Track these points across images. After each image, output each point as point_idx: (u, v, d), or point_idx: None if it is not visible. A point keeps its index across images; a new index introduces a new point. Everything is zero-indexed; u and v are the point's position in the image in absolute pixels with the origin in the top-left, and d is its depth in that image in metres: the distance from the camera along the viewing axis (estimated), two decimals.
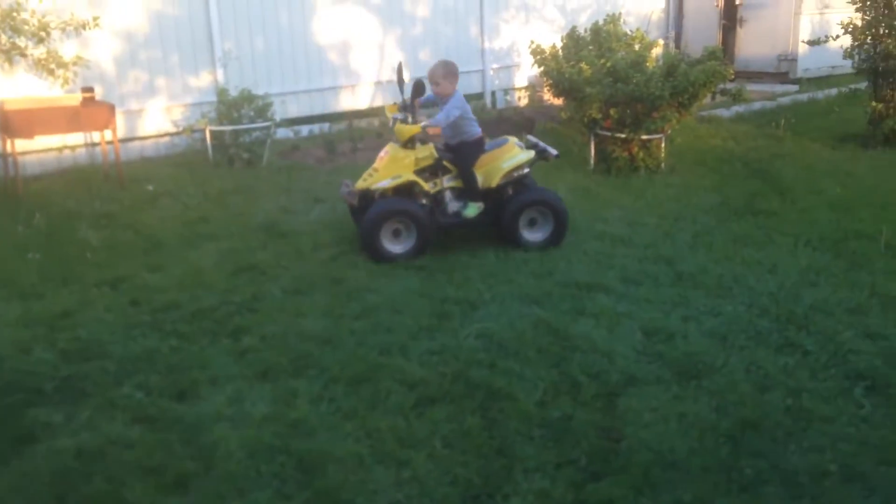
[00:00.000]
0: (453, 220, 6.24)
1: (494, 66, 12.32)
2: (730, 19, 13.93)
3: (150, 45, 9.50)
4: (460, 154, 6.25)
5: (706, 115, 10.69)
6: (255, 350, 4.53)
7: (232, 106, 8.98)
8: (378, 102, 11.39)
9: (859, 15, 8.98)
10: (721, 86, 8.53)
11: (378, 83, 11.45)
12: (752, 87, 11.83)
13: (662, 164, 8.31)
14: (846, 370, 4.15)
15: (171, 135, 9.67)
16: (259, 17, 10.31)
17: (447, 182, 6.26)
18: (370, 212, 5.94)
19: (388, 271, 5.72)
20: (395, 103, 6.52)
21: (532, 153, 6.40)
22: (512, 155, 6.30)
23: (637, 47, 8.77)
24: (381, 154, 6.22)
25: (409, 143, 6.08)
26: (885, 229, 6.06)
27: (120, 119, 9.10)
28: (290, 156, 9.37)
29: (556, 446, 3.60)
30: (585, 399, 3.98)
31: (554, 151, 6.58)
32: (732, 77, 8.71)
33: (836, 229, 6.28)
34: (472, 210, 6.19)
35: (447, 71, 6.28)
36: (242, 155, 8.86)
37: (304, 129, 10.41)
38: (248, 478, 3.39)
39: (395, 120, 6.21)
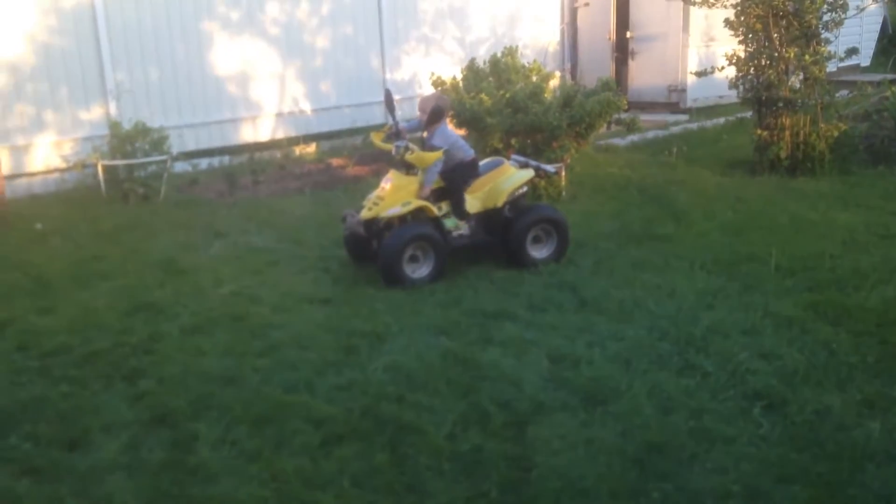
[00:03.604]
0: (460, 243, 6.33)
1: (397, 97, 12.29)
2: (622, 52, 14.44)
3: (36, 77, 9.12)
4: (455, 175, 6.32)
5: (603, 145, 11.00)
6: (151, 393, 4.33)
7: (125, 139, 8.67)
8: (280, 134, 11.26)
9: (742, 47, 9.44)
10: (616, 116, 8.79)
11: (279, 115, 11.31)
12: (645, 117, 12.26)
13: (563, 193, 8.48)
14: (744, 390, 4.27)
15: (61, 171, 9.26)
16: (153, 49, 10.05)
17: (449, 206, 6.38)
18: (390, 239, 5.98)
19: (292, 306, 5.60)
20: (380, 131, 6.62)
21: (531, 172, 6.63)
22: (510, 175, 6.48)
23: (535, 79, 8.96)
24: (384, 183, 6.23)
25: (411, 170, 6.15)
26: (774, 251, 6.33)
27: (5, 155, 8.67)
28: (189, 190, 9.11)
29: (467, 479, 3.56)
30: (495, 429, 3.97)
31: (551, 168, 6.76)
32: (626, 107, 9.01)
33: (729, 252, 6.52)
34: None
35: (441, 101, 6.46)
36: (138, 190, 8.56)
37: (204, 163, 10.16)
38: None
39: (398, 148, 6.17)
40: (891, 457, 3.57)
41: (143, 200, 8.50)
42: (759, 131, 9.40)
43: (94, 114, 9.54)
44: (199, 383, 4.42)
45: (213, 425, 3.98)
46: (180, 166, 9.71)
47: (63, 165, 9.28)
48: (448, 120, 6.53)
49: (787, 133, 9.20)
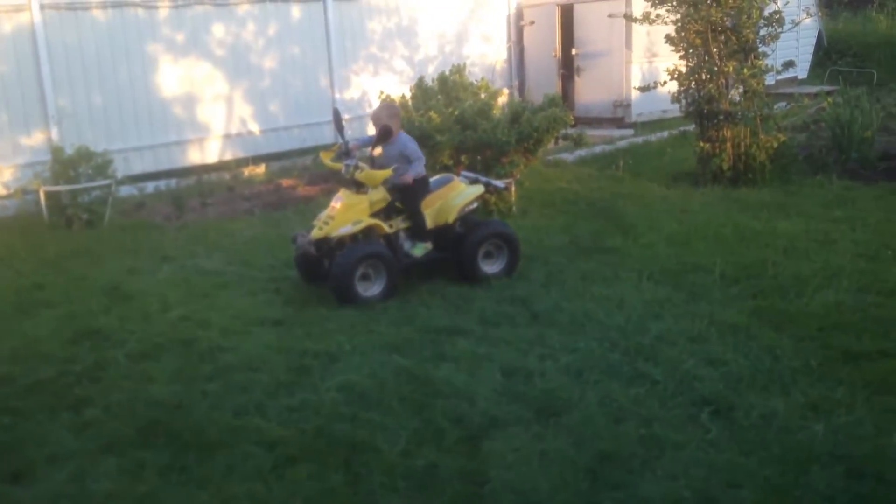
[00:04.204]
0: (411, 260, 6.35)
1: (346, 116, 12.30)
2: (568, 69, 14.68)
3: None
4: (407, 194, 6.31)
5: (552, 160, 11.13)
6: (98, 422, 4.23)
7: (68, 164, 8.50)
8: (228, 156, 11.17)
9: (683, 62, 9.67)
10: (563, 131, 8.92)
11: (227, 136, 11.23)
12: (592, 132, 12.46)
13: (514, 208, 8.55)
14: (692, 397, 4.34)
15: (2, 198, 9.05)
16: (96, 73, 9.91)
17: (401, 223, 6.36)
18: (341, 258, 5.95)
19: (242, 328, 5.53)
20: (329, 150, 6.61)
21: (481, 188, 6.68)
22: (461, 191, 6.53)
23: (483, 96, 9.05)
24: (334, 202, 6.22)
25: (361, 189, 6.14)
26: (719, 261, 6.47)
27: None
28: (135, 214, 8.97)
29: (421, 496, 3.55)
30: (449, 445, 3.97)
31: (500, 184, 6.78)
32: (573, 123, 9.14)
33: (675, 263, 6.63)
34: (420, 250, 6.31)
35: (391, 112, 6.48)
36: (81, 215, 8.39)
37: (150, 186, 10.02)
38: None
39: (348, 167, 6.16)
40: (835, 458, 3.66)
41: (88, 226, 8.34)
42: (701, 144, 9.61)
43: (36, 139, 9.37)
44: (146, 410, 4.34)
45: (161, 452, 3.91)
46: (126, 190, 9.56)
47: (3, 192, 9.07)
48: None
49: (729, 145, 9.43)
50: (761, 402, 4.21)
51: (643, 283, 6.20)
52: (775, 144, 9.43)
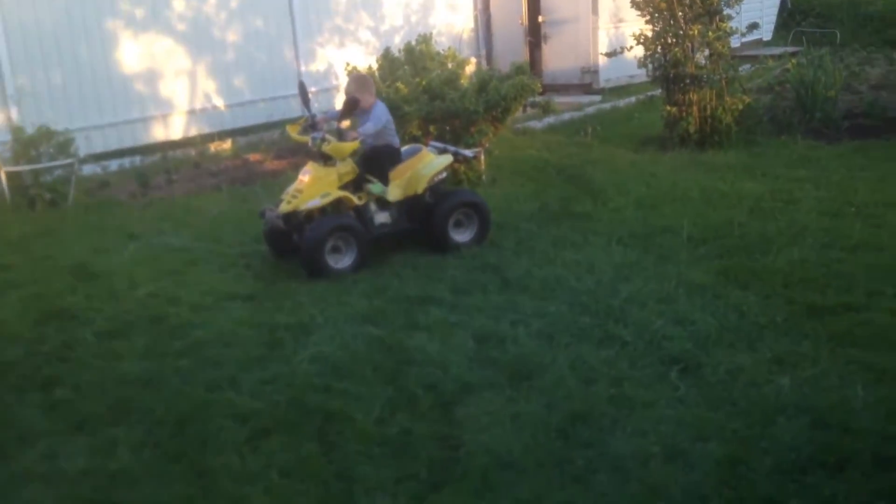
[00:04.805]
0: (381, 231, 6.33)
1: (313, 89, 12.17)
2: (535, 36, 14.62)
3: None
4: (376, 157, 6.29)
5: (521, 128, 11.13)
6: (68, 401, 4.20)
7: (29, 144, 8.32)
8: (193, 132, 11.02)
9: (649, 27, 9.67)
10: (531, 99, 8.90)
11: (192, 112, 11.07)
12: (560, 99, 12.43)
13: (483, 177, 8.54)
14: (661, 356, 4.40)
15: None
16: (54, 51, 9.70)
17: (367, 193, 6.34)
18: (311, 231, 5.92)
19: (213, 304, 5.50)
20: (295, 122, 6.54)
21: (450, 157, 6.65)
22: (429, 161, 6.50)
23: (450, 65, 8.99)
24: (302, 176, 6.16)
25: (329, 162, 6.10)
26: (686, 223, 6.53)
27: None
28: (100, 193, 8.83)
29: (396, 462, 3.58)
30: (423, 411, 3.99)
31: (470, 153, 6.78)
32: (541, 90, 9.13)
33: (643, 226, 6.69)
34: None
35: (362, 84, 6.43)
36: (45, 195, 8.23)
37: (114, 164, 9.86)
38: None
39: (315, 139, 6.12)
40: (800, 410, 3.73)
41: (51, 206, 8.20)
42: (668, 108, 9.66)
43: None
44: (117, 388, 4.31)
45: (134, 429, 3.90)
46: (89, 169, 9.40)
47: None
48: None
49: (695, 108, 9.48)
50: (728, 359, 4.28)
51: (613, 247, 6.24)
52: (741, 106, 9.50)
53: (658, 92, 10.42)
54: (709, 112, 9.47)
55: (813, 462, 3.33)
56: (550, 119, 11.48)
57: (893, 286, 5.02)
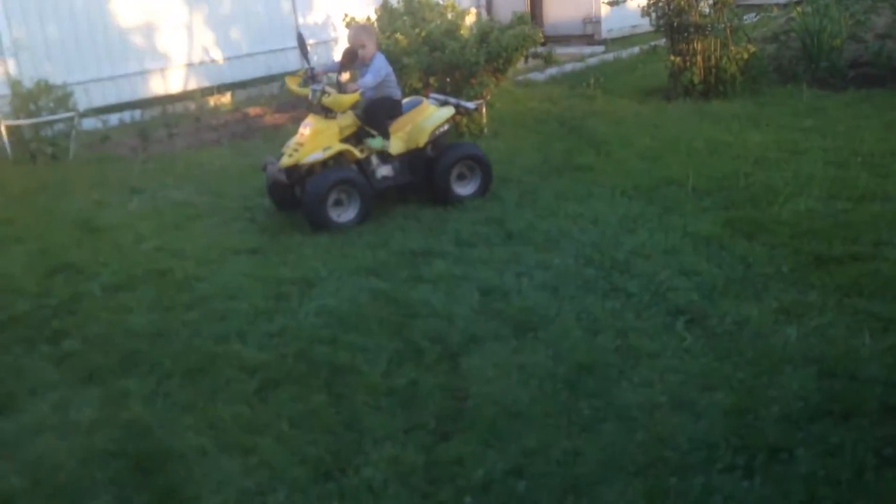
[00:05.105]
0: (383, 185, 6.29)
1: (311, 41, 11.99)
2: None
3: None
4: (376, 109, 6.23)
5: (522, 80, 11.00)
6: (77, 353, 4.22)
7: (28, 98, 8.25)
8: (193, 85, 10.91)
9: None
10: (532, 50, 8.78)
11: (190, 65, 10.95)
12: (561, 50, 12.30)
13: (485, 130, 8.48)
14: (667, 307, 4.40)
15: None
16: (50, 3, 9.55)
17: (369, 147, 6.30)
18: (313, 185, 5.89)
19: (218, 258, 5.50)
20: (294, 74, 6.49)
21: (451, 109, 6.58)
22: (431, 114, 6.44)
23: (450, 16, 8.85)
24: (302, 129, 6.10)
25: (330, 114, 6.05)
26: (691, 174, 6.48)
27: None
28: (101, 147, 8.78)
29: (404, 412, 3.61)
30: (429, 363, 4.01)
31: (471, 105, 6.75)
32: (543, 41, 8.99)
33: (648, 178, 6.64)
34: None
35: (365, 32, 6.35)
36: (46, 150, 8.20)
37: (114, 118, 9.79)
38: (81, 487, 3.17)
39: (315, 92, 6.05)
40: (807, 359, 3.74)
41: (52, 160, 8.16)
42: (672, 58, 9.53)
43: None
44: (125, 340, 4.33)
45: (144, 380, 3.92)
46: (89, 123, 9.34)
47: None
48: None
49: (700, 58, 9.35)
50: (734, 310, 4.28)
51: (617, 199, 6.21)
52: (745, 56, 9.37)
53: (661, 42, 10.28)
54: (713, 62, 9.35)
55: (820, 411, 3.35)
56: (552, 70, 11.34)
57: None
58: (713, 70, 9.35)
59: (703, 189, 6.23)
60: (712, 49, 9.33)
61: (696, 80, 9.32)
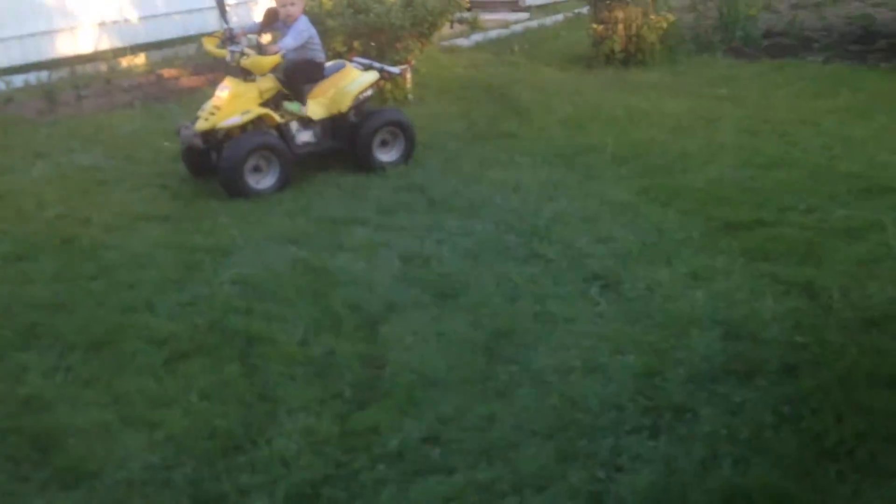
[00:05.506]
0: (304, 150, 6.14)
1: (231, 1, 11.67)
2: None
3: None
4: (298, 72, 6.06)
5: (448, 46, 10.91)
6: None
7: None
8: (104, 45, 10.46)
9: None
10: (458, 15, 8.72)
11: (102, 24, 10.49)
12: (487, 16, 12.20)
13: (409, 95, 8.39)
14: (584, 273, 4.46)
15: None
16: None
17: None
18: (230, 149, 5.69)
19: (127, 224, 5.31)
20: (212, 34, 6.26)
21: (375, 74, 6.44)
22: (354, 78, 6.29)
23: None
24: (219, 92, 5.87)
25: (249, 77, 5.85)
26: (610, 142, 6.56)
27: None
28: (4, 109, 8.34)
29: (320, 382, 3.56)
30: (347, 332, 3.97)
31: (395, 70, 6.62)
32: (468, 6, 8.93)
33: (569, 145, 6.69)
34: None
35: None
36: None
37: (18, 80, 9.29)
38: None
39: (234, 53, 5.82)
40: (713, 322, 3.85)
41: None
42: (594, 26, 9.59)
43: None
44: (26, 312, 4.14)
45: (45, 354, 3.76)
46: None
47: None
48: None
49: (621, 26, 9.43)
50: (647, 275, 4.36)
51: (538, 166, 6.24)
52: (665, 25, 9.49)
53: (585, 9, 10.32)
54: (634, 31, 9.44)
55: (724, 371, 3.45)
56: (477, 37, 11.28)
57: (804, 202, 5.17)
58: (634, 39, 9.45)
59: (621, 156, 6.31)
60: (633, 18, 9.42)
61: (618, 48, 9.41)
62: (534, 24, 12.64)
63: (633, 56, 9.44)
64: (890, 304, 3.86)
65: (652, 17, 9.48)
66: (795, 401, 3.19)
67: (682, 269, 4.41)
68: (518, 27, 12.47)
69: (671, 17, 9.59)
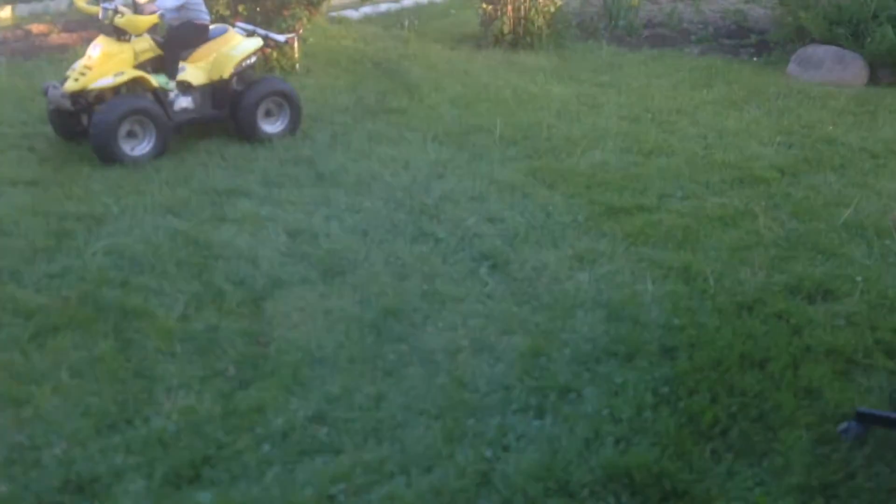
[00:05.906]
0: (183, 117, 5.88)
1: None
2: None
3: None
4: (177, 36, 5.77)
5: (336, 17, 10.70)
6: None
7: None
8: None
9: None
10: None
11: None
12: None
13: (297, 66, 8.19)
14: (472, 253, 4.49)
15: None
16: None
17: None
18: (102, 113, 5.37)
19: None
20: None
21: (259, 41, 6.23)
22: (237, 44, 6.06)
23: None
24: (91, 50, 5.51)
25: (123, 36, 5.53)
26: (499, 122, 6.62)
27: None
28: None
29: (202, 359, 3.45)
30: (231, 307, 3.86)
31: (281, 37, 6.46)
32: None
33: (458, 124, 6.71)
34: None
35: None
36: None
37: None
38: None
39: (106, 11, 5.46)
40: (597, 304, 3.96)
41: None
42: (484, 6, 9.63)
43: None
44: None
45: None
46: None
47: None
48: None
49: (510, 8, 9.50)
50: (534, 256, 4.44)
51: (428, 144, 6.23)
52: (552, 9, 9.63)
53: None
54: (523, 13, 9.54)
55: (606, 352, 3.56)
56: (367, 9, 11.14)
57: (681, 189, 5.39)
58: (522, 22, 9.54)
59: (509, 138, 6.39)
60: (522, 0, 9.52)
61: (506, 30, 9.48)
62: (424, 0, 12.57)
63: (521, 39, 9.53)
64: (761, 289, 4.08)
65: (540, 1, 9.60)
66: (673, 382, 3.33)
67: (567, 251, 4.51)
68: (408, 2, 12.37)
69: (558, 2, 9.74)
